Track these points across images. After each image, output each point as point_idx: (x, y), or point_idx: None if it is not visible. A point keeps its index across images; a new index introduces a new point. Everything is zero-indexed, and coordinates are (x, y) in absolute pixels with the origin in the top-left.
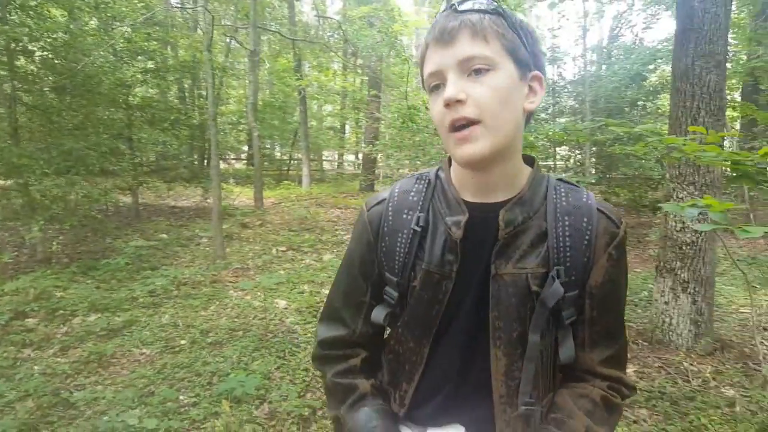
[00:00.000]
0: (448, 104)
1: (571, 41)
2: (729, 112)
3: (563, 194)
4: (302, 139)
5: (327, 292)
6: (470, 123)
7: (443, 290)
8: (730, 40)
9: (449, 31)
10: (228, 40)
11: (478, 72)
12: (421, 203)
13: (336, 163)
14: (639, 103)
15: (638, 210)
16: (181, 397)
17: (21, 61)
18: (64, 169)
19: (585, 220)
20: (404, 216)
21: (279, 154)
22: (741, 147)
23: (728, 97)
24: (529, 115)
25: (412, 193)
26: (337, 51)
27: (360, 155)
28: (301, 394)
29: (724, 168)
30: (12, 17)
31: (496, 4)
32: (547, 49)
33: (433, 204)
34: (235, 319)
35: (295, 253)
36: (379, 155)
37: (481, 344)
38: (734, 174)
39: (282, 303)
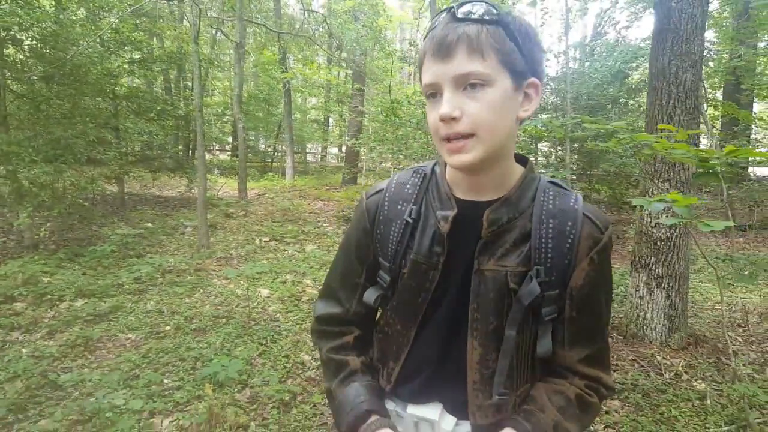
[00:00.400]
0: (443, 119)
1: (555, 38)
2: (711, 111)
3: (551, 197)
4: (286, 132)
5: (309, 282)
6: (464, 137)
7: (429, 280)
8: (712, 38)
9: (447, 45)
10: (214, 31)
11: (473, 86)
12: (415, 196)
13: (319, 156)
14: (621, 100)
15: (619, 207)
16: (166, 381)
17: (10, 50)
18: (52, 157)
19: (570, 223)
20: (399, 207)
21: (263, 146)
22: (722, 146)
23: (710, 95)
24: (523, 121)
25: (408, 186)
26: (322, 44)
27: (343, 148)
28: (282, 379)
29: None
30: (2, 6)
31: (496, 10)
32: None
33: (427, 197)
34: (219, 307)
35: (277, 243)
36: (362, 148)
37: (460, 333)
38: (700, 171)
39: (264, 292)
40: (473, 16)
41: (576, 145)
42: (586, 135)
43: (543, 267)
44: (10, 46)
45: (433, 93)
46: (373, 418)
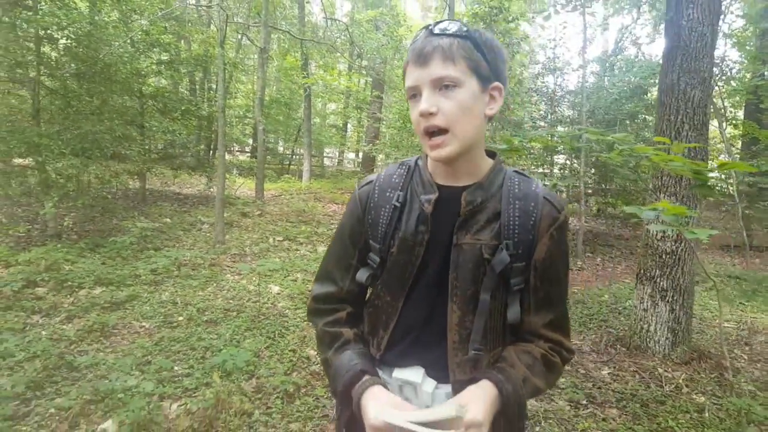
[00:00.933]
0: (422, 114)
1: (574, 52)
2: (730, 130)
3: (516, 183)
4: (305, 135)
5: None
6: (440, 131)
7: (415, 254)
8: (736, 57)
9: (425, 54)
10: (240, 36)
11: (447, 87)
12: (401, 184)
13: (336, 161)
14: (640, 116)
15: (634, 222)
16: (176, 368)
17: (46, 48)
18: (79, 151)
19: (532, 204)
20: (387, 194)
21: (282, 148)
22: None
23: (731, 114)
24: (490, 118)
25: (395, 176)
26: (344, 52)
27: (360, 154)
28: (288, 372)
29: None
30: (42, 7)
31: (465, 28)
32: (546, 59)
33: (411, 185)
34: (230, 301)
35: (291, 243)
36: (379, 154)
37: (442, 299)
38: (696, 183)
39: (275, 288)
40: (447, 32)
41: (593, 159)
42: (601, 147)
43: (511, 241)
44: (46, 44)
45: (414, 94)
46: (366, 377)
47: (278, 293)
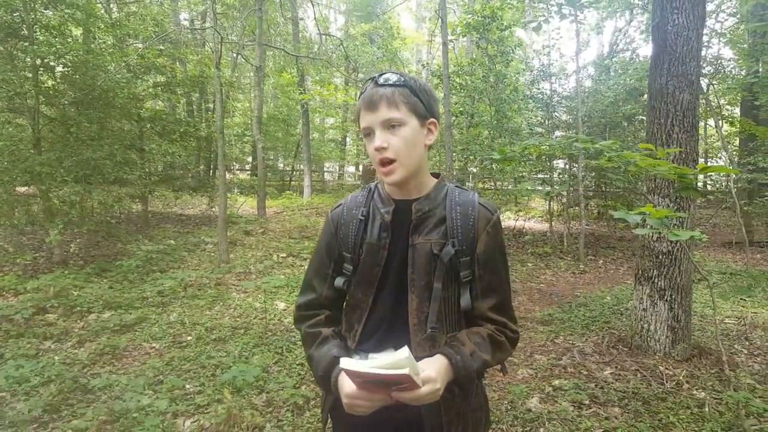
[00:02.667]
0: (377, 149)
1: (569, 56)
2: (727, 127)
3: (457, 194)
4: (304, 151)
5: None
6: (390, 161)
7: (380, 257)
8: (730, 54)
9: (374, 101)
10: (235, 55)
11: (393, 127)
12: (364, 202)
13: (337, 175)
14: (637, 117)
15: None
16: (188, 386)
17: (43, 77)
18: (81, 177)
19: (470, 209)
20: (353, 212)
21: (282, 165)
22: (739, 161)
23: (727, 112)
24: (429, 147)
25: (359, 197)
26: (339, 67)
27: (360, 167)
28: (296, 385)
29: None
30: (38, 36)
31: (403, 78)
32: (541, 65)
33: (373, 202)
34: (238, 318)
35: (294, 259)
36: None
37: (404, 292)
38: (680, 186)
39: (281, 305)
40: (389, 83)
41: (593, 162)
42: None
43: (456, 239)
44: (43, 73)
45: (368, 133)
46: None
47: (284, 309)
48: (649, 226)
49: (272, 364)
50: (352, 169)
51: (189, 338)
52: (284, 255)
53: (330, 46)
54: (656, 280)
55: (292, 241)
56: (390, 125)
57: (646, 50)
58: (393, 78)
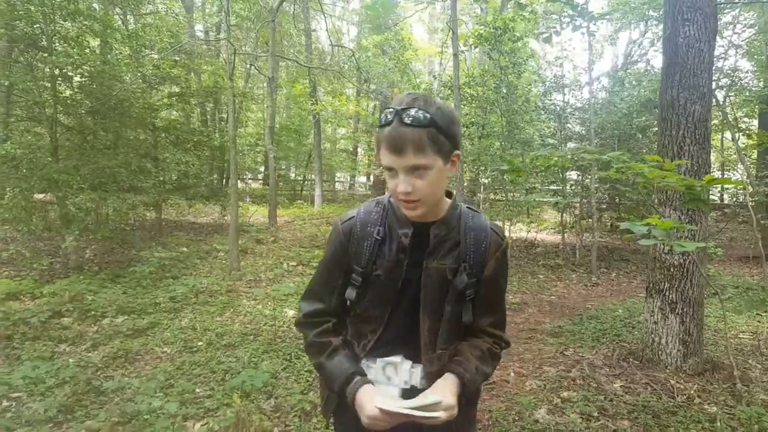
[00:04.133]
0: (402, 193)
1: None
2: (744, 140)
3: (470, 217)
4: (316, 161)
5: None
6: (414, 200)
7: (397, 277)
8: (747, 66)
9: (399, 145)
10: (248, 66)
11: (418, 170)
12: (380, 221)
13: (348, 185)
14: (651, 129)
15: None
16: (198, 390)
17: (61, 87)
18: (97, 185)
19: (483, 234)
20: (368, 228)
21: (293, 174)
22: (757, 174)
23: (744, 124)
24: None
25: (373, 213)
26: (351, 77)
27: (371, 177)
28: (304, 392)
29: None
30: (57, 47)
31: (429, 115)
32: (554, 76)
33: (388, 221)
34: (248, 325)
35: (304, 267)
36: None
37: (416, 310)
38: (688, 198)
39: (290, 312)
40: (415, 123)
41: (603, 173)
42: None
43: (467, 263)
44: (61, 83)
45: (390, 170)
46: (357, 378)
47: (293, 317)
48: (654, 237)
49: (281, 370)
50: (363, 179)
51: (200, 343)
52: (294, 264)
53: (342, 57)
54: (667, 293)
55: (302, 250)
56: (415, 170)
57: (660, 62)
58: (420, 117)
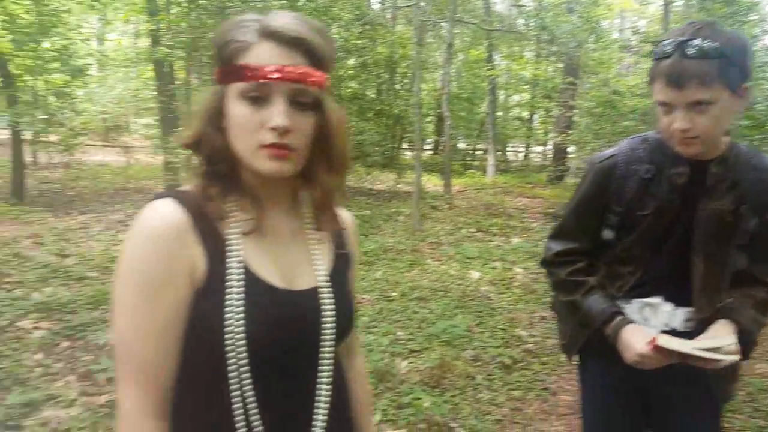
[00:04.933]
0: (679, 130)
1: None
2: None
3: (751, 156)
4: (489, 129)
5: (520, 270)
6: (692, 137)
7: (667, 219)
8: None
9: (681, 79)
10: (428, 32)
11: (701, 106)
12: (648, 158)
13: (522, 155)
14: None
15: None
16: (399, 333)
17: None
18: None
19: (765, 174)
20: (633, 167)
21: (463, 144)
22: None
23: None
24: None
25: (639, 151)
26: (532, 39)
27: (548, 146)
28: (501, 347)
29: None
30: None
31: (717, 44)
32: None
33: (657, 158)
34: (435, 282)
35: (484, 234)
36: (572, 146)
37: (685, 254)
38: None
39: (476, 274)
40: (701, 54)
41: None
42: None
43: (749, 205)
44: None
45: (666, 108)
46: (619, 317)
47: (479, 278)
48: None
49: (474, 325)
50: (538, 148)
51: (394, 294)
52: (473, 230)
53: (523, 17)
54: None
55: (480, 218)
56: (697, 105)
57: None
58: (706, 47)
